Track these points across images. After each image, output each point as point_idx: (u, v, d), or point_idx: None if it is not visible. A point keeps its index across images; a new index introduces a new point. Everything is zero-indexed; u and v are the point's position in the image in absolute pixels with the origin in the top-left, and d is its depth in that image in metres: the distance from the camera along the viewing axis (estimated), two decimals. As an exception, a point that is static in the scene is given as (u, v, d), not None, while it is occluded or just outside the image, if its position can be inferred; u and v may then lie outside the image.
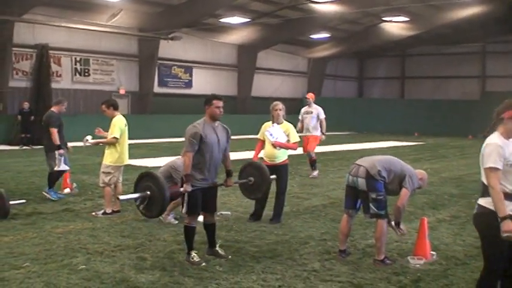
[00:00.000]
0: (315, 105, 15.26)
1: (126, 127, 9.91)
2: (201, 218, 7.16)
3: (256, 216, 9.21)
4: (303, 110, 15.47)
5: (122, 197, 6.92)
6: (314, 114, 15.10)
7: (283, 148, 9.04)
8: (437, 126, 38.21)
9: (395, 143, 29.52)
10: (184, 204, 6.75)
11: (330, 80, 48.50)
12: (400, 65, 50.12)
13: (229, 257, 7.00)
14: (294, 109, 19.91)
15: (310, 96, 15.60)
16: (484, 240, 4.84)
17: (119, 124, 9.66)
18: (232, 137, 7.17)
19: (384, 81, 50.83)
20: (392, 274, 6.46)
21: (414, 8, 33.36)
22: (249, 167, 8.09)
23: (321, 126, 15.18)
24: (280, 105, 9.24)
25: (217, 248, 7.12)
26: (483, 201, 4.79)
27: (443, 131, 36.99)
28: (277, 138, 8.95)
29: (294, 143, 9.16)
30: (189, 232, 6.83)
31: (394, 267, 6.70)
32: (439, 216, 9.77)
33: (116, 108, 9.93)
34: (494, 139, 4.75)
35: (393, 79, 50.29)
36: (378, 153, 23.35)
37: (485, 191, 4.75)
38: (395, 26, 38.44)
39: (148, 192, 6.42)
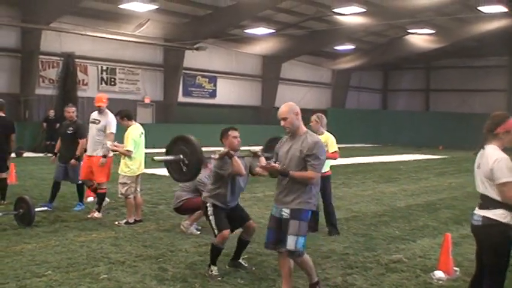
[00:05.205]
0: (107, 112, 10.43)
1: (143, 135, 9.77)
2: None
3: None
4: (91, 116, 10.63)
5: (156, 158, 6.76)
6: (100, 125, 10.30)
7: None
8: (463, 139, 37.76)
9: (419, 156, 29.29)
10: (214, 229, 6.73)
11: (353, 91, 48.39)
12: (425, 78, 49.85)
13: (253, 268, 6.98)
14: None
15: (102, 99, 10.49)
16: (494, 252, 4.92)
17: (132, 136, 9.51)
18: (255, 148, 7.12)
19: (408, 93, 50.55)
20: (416, 290, 6.37)
21: (439, 20, 33.21)
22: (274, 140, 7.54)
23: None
24: (313, 117, 9.28)
25: (240, 260, 7.10)
26: (490, 214, 4.87)
27: (468, 144, 36.51)
28: None
29: (333, 152, 9.19)
30: (216, 251, 6.75)
31: (417, 283, 6.61)
32: (463, 231, 9.59)
33: (129, 118, 9.76)
34: (500, 153, 4.84)
35: (418, 91, 50.02)
36: (402, 166, 23.00)
37: (489, 204, 4.88)
38: (420, 38, 38.30)
39: (182, 156, 6.39)
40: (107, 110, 10.50)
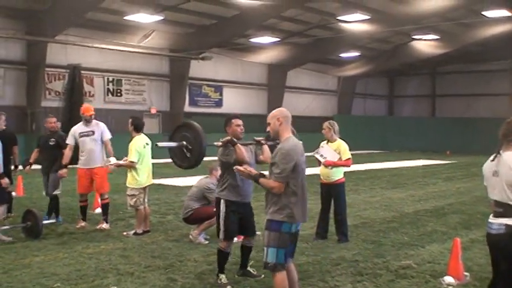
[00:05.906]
0: (97, 122, 10.55)
1: (148, 146, 9.59)
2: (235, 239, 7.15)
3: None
4: (77, 130, 10.40)
5: (160, 144, 6.69)
6: (96, 135, 10.30)
7: (336, 166, 9.03)
8: (470, 144, 37.74)
9: (427, 162, 29.21)
10: (221, 230, 6.69)
11: (359, 98, 48.40)
12: (430, 83, 49.83)
13: (262, 276, 6.93)
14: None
15: (90, 109, 10.68)
16: None
17: (135, 147, 9.42)
18: (261, 157, 7.09)
19: (414, 99, 50.55)
20: (426, 297, 6.34)
21: (444, 26, 33.19)
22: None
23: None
24: (325, 124, 9.27)
25: (248, 268, 7.09)
26: None
27: (475, 149, 36.48)
28: (326, 157, 8.96)
29: (347, 159, 9.15)
30: (223, 257, 6.76)
31: (427, 290, 6.59)
32: (473, 236, 9.57)
33: (136, 129, 9.62)
34: None
35: (424, 97, 50.00)
36: (409, 172, 22.97)
37: (511, 212, 4.64)
38: (425, 44, 38.28)
39: (185, 142, 6.39)
40: (95, 120, 10.46)
